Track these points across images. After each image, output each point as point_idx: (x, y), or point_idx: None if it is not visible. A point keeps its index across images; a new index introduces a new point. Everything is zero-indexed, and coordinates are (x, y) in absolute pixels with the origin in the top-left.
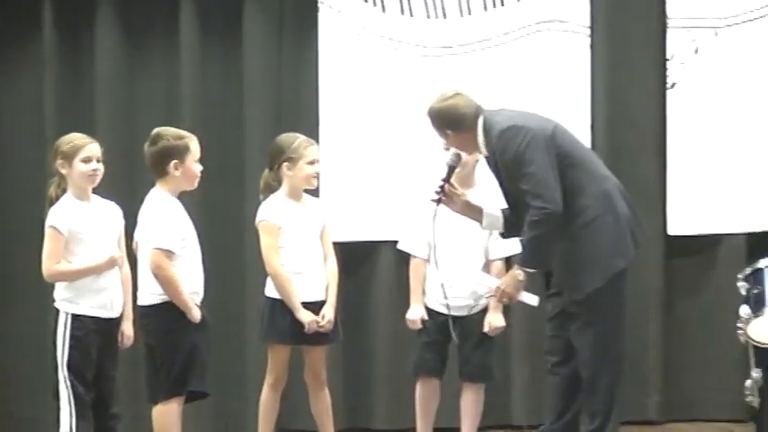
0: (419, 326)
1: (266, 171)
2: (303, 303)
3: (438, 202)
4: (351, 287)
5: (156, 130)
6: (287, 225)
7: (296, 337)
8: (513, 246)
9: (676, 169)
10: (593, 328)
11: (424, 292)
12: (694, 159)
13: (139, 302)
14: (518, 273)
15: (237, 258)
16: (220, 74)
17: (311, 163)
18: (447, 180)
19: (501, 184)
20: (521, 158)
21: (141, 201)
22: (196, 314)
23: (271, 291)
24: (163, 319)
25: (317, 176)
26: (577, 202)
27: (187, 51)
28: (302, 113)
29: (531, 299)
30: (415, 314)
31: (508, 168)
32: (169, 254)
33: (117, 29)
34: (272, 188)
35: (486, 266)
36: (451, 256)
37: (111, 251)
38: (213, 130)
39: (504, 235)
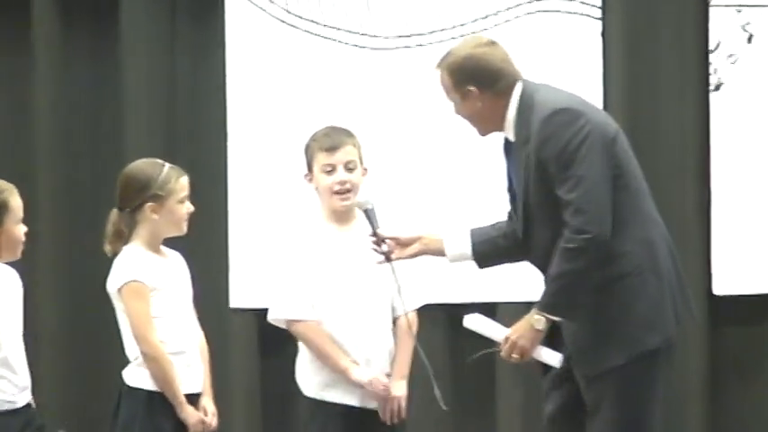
0: (384, 383)
1: (114, 212)
2: (186, 396)
3: (388, 259)
4: (271, 372)
5: None
6: (159, 286)
7: None
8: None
9: (724, 203)
10: (608, 418)
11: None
12: (749, 189)
13: None
14: (537, 319)
15: (94, 339)
16: (89, 75)
17: (183, 201)
18: (377, 227)
19: (520, 187)
20: (572, 154)
21: None
22: None
23: (139, 379)
24: None
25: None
26: (614, 244)
27: (42, 43)
28: (204, 131)
29: (553, 357)
30: (364, 374)
31: (545, 165)
32: None
33: None
34: (123, 237)
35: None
36: (348, 318)
37: None
38: (79, 152)
39: (482, 263)
